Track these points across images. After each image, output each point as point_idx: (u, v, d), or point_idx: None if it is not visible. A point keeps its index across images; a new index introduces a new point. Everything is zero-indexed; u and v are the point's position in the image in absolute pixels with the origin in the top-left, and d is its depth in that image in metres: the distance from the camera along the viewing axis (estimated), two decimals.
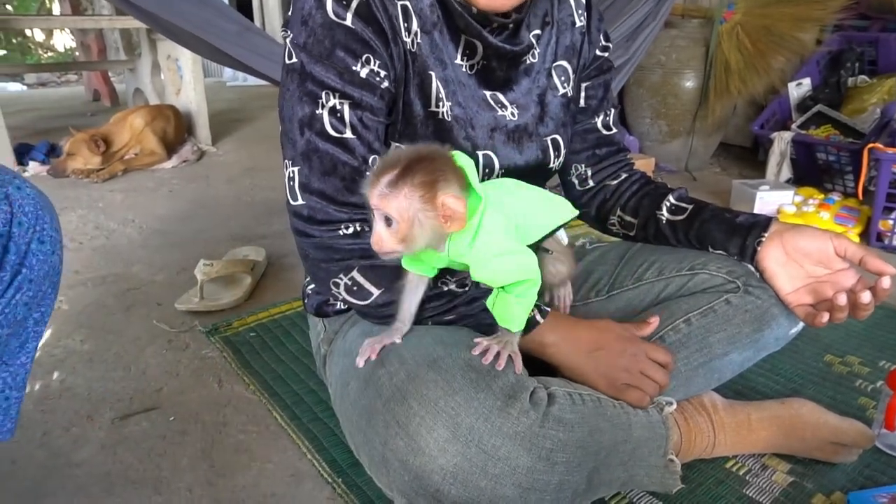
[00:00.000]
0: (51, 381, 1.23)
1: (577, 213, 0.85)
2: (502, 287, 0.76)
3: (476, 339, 0.77)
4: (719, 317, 0.93)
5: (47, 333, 1.41)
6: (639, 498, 0.93)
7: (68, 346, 1.36)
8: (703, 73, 2.68)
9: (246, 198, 2.43)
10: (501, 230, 0.72)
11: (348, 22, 0.77)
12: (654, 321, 0.88)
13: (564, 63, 0.98)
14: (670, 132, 2.81)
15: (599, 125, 1.06)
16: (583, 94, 1.03)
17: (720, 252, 0.98)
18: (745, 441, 0.99)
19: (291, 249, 1.84)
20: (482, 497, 0.66)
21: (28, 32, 6.23)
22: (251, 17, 6.50)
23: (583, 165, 1.08)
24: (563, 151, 1.00)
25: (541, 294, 0.83)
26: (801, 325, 0.95)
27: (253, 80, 4.70)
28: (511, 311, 0.76)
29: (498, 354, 0.74)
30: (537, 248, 0.82)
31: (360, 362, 0.77)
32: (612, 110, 1.08)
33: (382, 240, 0.68)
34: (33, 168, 2.77)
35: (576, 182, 1.10)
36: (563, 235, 0.90)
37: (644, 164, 2.47)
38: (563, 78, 0.98)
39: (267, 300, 1.57)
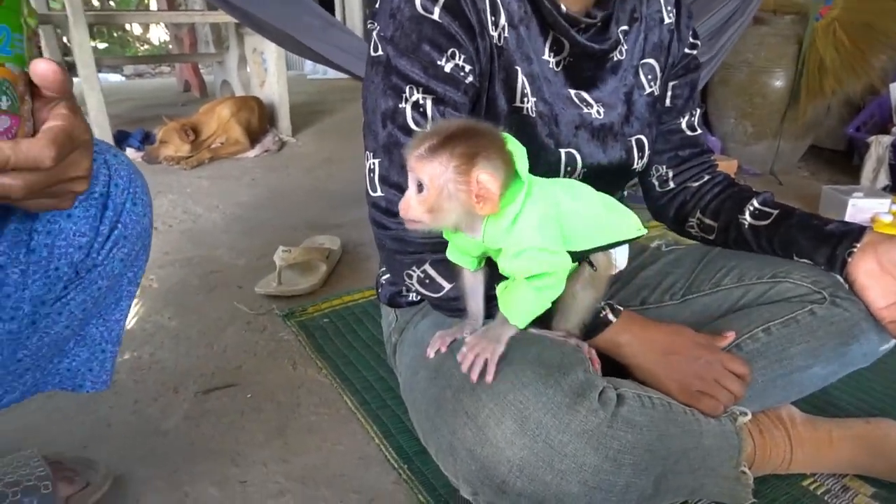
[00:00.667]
0: (142, 354, 1.32)
1: (643, 232, 0.79)
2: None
3: (467, 339, 0.74)
4: (802, 328, 0.90)
5: (140, 308, 1.51)
6: None
7: (157, 321, 1.45)
8: (794, 72, 2.56)
9: (323, 188, 2.50)
10: (543, 224, 0.69)
11: (436, 16, 0.77)
12: (730, 336, 0.86)
13: (652, 61, 0.96)
14: (755, 133, 2.70)
15: (684, 126, 1.04)
16: (669, 93, 1.01)
17: (805, 261, 0.94)
18: (826, 459, 0.95)
19: (365, 239, 1.89)
20: (547, 492, 0.67)
21: (127, 27, 6.63)
22: (332, 12, 6.67)
23: (664, 166, 1.06)
24: (647, 152, 0.98)
25: (548, 317, 0.77)
26: (893, 342, 0.90)
27: (332, 73, 4.82)
28: (520, 301, 0.71)
29: (483, 363, 0.71)
30: (584, 258, 0.78)
31: (431, 353, 0.79)
32: (697, 111, 1.06)
33: (410, 205, 0.66)
34: (129, 154, 2.95)
35: (656, 183, 1.08)
36: (621, 258, 0.82)
37: (726, 166, 2.39)
38: (650, 76, 0.96)
39: (340, 288, 1.62)
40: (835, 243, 0.90)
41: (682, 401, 0.80)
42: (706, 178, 1.06)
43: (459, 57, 0.79)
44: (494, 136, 0.67)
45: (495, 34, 0.81)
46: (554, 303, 0.73)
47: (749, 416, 0.86)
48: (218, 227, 2.07)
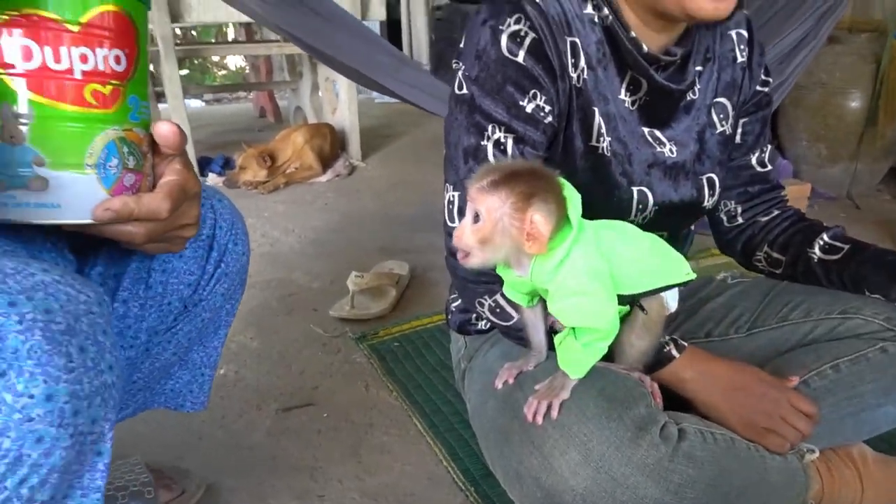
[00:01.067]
0: (228, 372, 1.42)
1: (693, 276, 0.82)
2: (572, 329, 0.75)
3: (536, 387, 0.77)
4: (873, 365, 0.89)
5: None
6: None
7: (241, 341, 1.56)
8: (871, 92, 2.48)
9: (392, 212, 2.60)
10: (589, 270, 0.71)
11: (520, 59, 0.81)
12: (794, 380, 0.86)
13: (724, 100, 0.97)
14: (830, 156, 2.62)
15: (754, 162, 1.04)
16: (739, 129, 1.02)
17: (877, 296, 0.94)
18: None
19: (433, 264, 1.96)
20: None
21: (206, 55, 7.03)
22: (399, 41, 6.86)
23: (733, 202, 1.06)
24: (717, 190, 0.99)
25: (610, 351, 0.79)
26: None
27: None
28: (574, 356, 0.75)
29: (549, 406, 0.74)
30: (634, 302, 0.80)
31: (499, 385, 0.84)
32: (768, 147, 1.06)
33: (464, 233, 0.70)
34: (211, 179, 3.14)
35: (724, 218, 1.08)
36: (672, 302, 0.84)
37: (799, 190, 2.33)
38: (721, 115, 0.97)
39: (409, 312, 1.69)
40: None
41: (747, 437, 0.81)
42: (775, 212, 1.06)
43: (540, 98, 0.82)
44: (552, 181, 0.71)
45: (574, 76, 0.85)
46: (611, 346, 0.76)
47: (817, 454, 0.86)
48: (294, 251, 2.19)
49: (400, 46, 6.83)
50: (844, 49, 2.55)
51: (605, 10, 0.85)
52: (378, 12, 3.23)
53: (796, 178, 2.64)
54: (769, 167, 1.06)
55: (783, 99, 2.57)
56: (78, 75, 0.58)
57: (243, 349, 1.52)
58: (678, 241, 1.07)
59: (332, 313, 1.66)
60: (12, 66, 0.56)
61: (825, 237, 0.98)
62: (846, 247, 0.97)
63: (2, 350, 0.43)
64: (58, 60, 0.57)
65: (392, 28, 6.59)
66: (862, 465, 0.93)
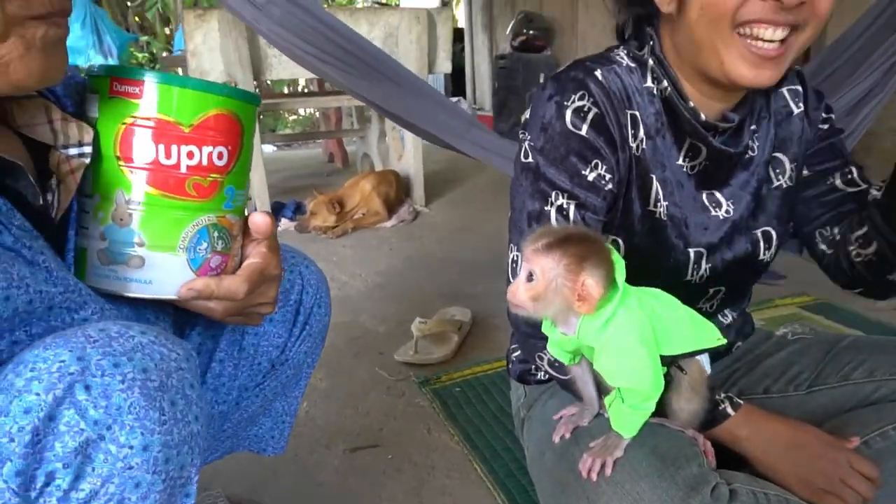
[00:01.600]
0: (300, 411, 1.51)
1: (724, 342, 0.84)
2: (619, 390, 0.78)
3: (591, 445, 0.81)
4: None
5: None
6: None
7: (312, 382, 1.65)
8: None
9: (454, 257, 2.68)
10: (636, 332, 0.75)
11: (583, 132, 0.87)
12: (855, 441, 0.86)
13: (780, 155, 0.98)
14: None
15: (839, 184, 0.99)
16: (806, 164, 1.00)
17: None
18: None
19: (494, 311, 2.02)
20: None
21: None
22: (463, 85, 7.06)
23: (828, 228, 0.99)
24: (774, 243, 1.00)
25: (663, 412, 0.82)
26: None
27: None
28: (624, 418, 0.78)
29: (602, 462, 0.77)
30: (672, 363, 0.82)
31: (556, 439, 0.88)
32: (854, 168, 0.99)
33: (518, 290, 0.74)
34: (284, 224, 3.32)
35: (825, 248, 1.00)
36: (705, 364, 0.86)
37: None
38: (778, 170, 0.98)
39: (471, 358, 1.75)
40: None
41: (805, 497, 0.82)
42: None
43: (602, 167, 0.88)
44: (602, 246, 0.76)
45: (634, 145, 0.90)
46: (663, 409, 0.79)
47: None
48: (361, 294, 2.29)
49: (464, 93, 7.05)
50: None
51: (665, 83, 0.90)
52: (444, 66, 3.39)
53: None
54: (862, 186, 0.98)
55: (853, 146, 2.54)
56: (183, 170, 0.65)
57: (313, 390, 1.61)
58: (739, 296, 1.09)
59: (396, 357, 1.73)
60: (131, 160, 0.64)
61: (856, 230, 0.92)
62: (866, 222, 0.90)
63: (108, 407, 0.49)
64: (168, 157, 0.64)
65: (456, 76, 6.82)
66: None
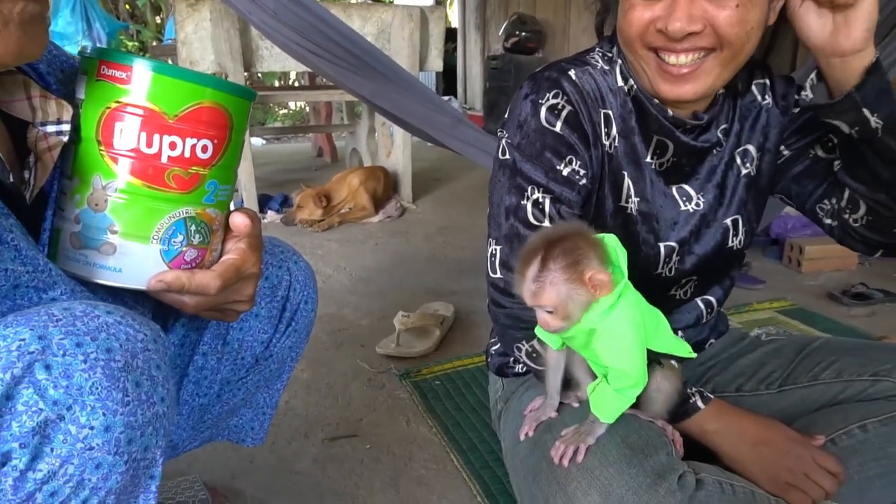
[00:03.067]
0: (280, 401, 1.51)
1: (694, 356, 0.88)
2: (605, 377, 0.80)
3: (563, 433, 0.82)
4: None
5: None
6: None
7: (293, 373, 1.65)
8: None
9: (440, 254, 2.69)
10: (634, 321, 0.78)
11: (557, 129, 0.90)
12: (821, 439, 0.89)
13: (749, 147, 1.00)
14: None
15: (821, 153, 0.98)
16: (783, 144, 1.00)
17: None
18: None
19: (476, 308, 2.03)
20: None
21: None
22: (454, 85, 7.08)
23: (826, 201, 0.99)
24: (741, 230, 1.01)
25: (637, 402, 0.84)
26: None
27: None
28: (607, 401, 0.80)
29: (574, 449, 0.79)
30: (653, 359, 0.84)
31: (522, 436, 0.89)
32: (833, 135, 0.97)
33: (549, 324, 0.77)
34: (270, 216, 3.32)
35: (831, 222, 0.99)
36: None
37: None
38: (746, 160, 1.00)
39: (452, 352, 1.76)
40: None
41: (770, 490, 0.84)
42: None
43: (576, 163, 0.91)
44: (579, 233, 0.78)
45: (607, 143, 0.93)
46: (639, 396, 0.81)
47: None
48: (345, 288, 2.30)
49: (455, 93, 7.06)
50: None
51: (631, 81, 0.93)
52: (435, 64, 3.41)
53: None
54: None
55: None
56: (164, 160, 0.64)
57: (294, 380, 1.62)
58: (712, 283, 1.10)
59: (378, 350, 1.74)
60: (111, 146, 0.63)
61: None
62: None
63: (68, 387, 0.49)
64: (150, 146, 0.63)
65: (448, 75, 6.83)
66: None
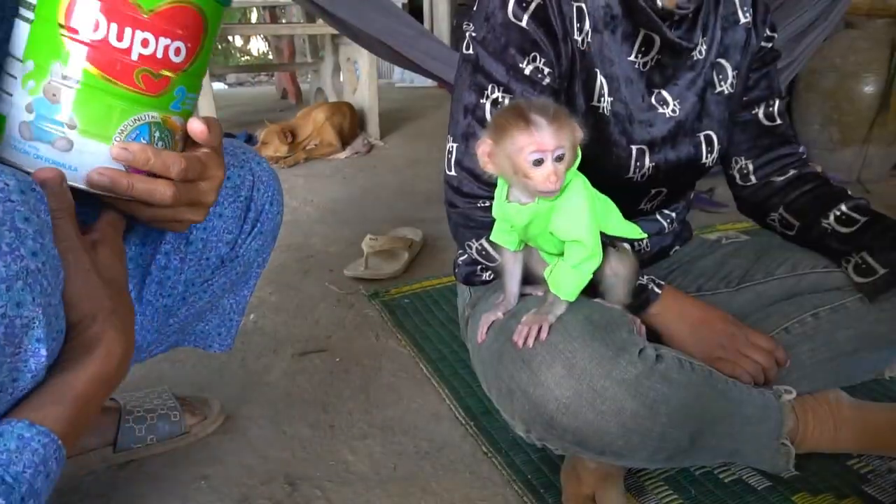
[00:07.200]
0: (247, 321, 1.51)
1: (645, 236, 0.90)
2: (561, 255, 0.81)
3: (523, 318, 0.81)
4: (851, 314, 0.94)
5: None
6: (749, 475, 0.98)
7: (261, 296, 1.65)
8: (886, 77, 2.49)
9: (408, 187, 2.67)
10: (587, 198, 0.78)
11: (523, 23, 0.87)
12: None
13: (723, 62, 0.99)
14: (842, 140, 2.64)
15: (761, 116, 1.04)
16: (744, 85, 1.03)
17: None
18: (873, 441, 0.99)
19: (445, 233, 2.02)
20: (589, 429, 0.77)
21: (230, 38, 7.14)
22: (421, 21, 6.90)
23: (743, 158, 1.06)
24: (716, 147, 1.02)
25: (594, 289, 0.86)
26: None
27: (420, 82, 5.01)
28: (564, 278, 0.80)
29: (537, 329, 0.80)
30: (607, 242, 0.85)
31: (479, 340, 0.90)
32: (777, 100, 1.05)
33: (559, 176, 0.72)
34: None
35: (737, 176, 1.09)
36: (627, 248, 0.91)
37: None
38: (721, 76, 1.00)
39: (420, 274, 1.77)
40: None
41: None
42: (792, 172, 1.05)
43: (540, 60, 0.88)
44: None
45: (579, 39, 0.90)
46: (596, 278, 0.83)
47: (794, 395, 0.92)
48: (312, 219, 2.27)
49: None
50: (861, 34, 2.56)
51: None
52: None
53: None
54: (779, 121, 1.05)
55: (797, 83, 2.61)
56: (134, 57, 0.60)
57: (262, 302, 1.61)
58: (678, 197, 1.12)
59: (346, 273, 1.74)
60: (76, 32, 0.58)
61: (843, 207, 0.97)
62: (864, 219, 0.95)
63: None
64: (120, 39, 0.59)
65: (414, 14, 6.65)
66: (837, 408, 0.99)
